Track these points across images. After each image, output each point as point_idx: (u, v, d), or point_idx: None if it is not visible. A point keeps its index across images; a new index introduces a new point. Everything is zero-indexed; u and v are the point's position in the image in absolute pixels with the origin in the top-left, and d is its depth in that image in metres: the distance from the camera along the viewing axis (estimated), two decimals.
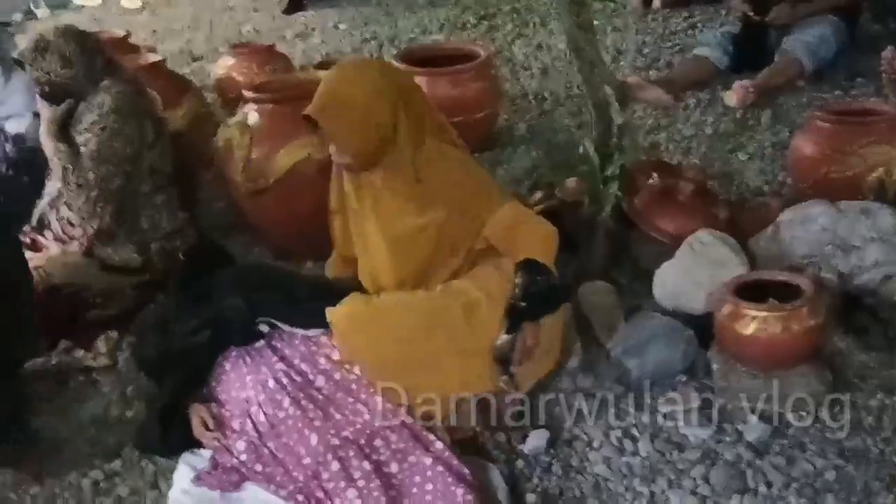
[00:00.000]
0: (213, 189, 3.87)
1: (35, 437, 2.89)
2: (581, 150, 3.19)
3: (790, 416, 2.60)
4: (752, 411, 2.61)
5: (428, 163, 2.68)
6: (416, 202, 2.71)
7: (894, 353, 2.75)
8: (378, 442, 2.57)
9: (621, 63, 5.24)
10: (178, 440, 2.77)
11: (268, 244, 3.66)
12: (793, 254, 2.91)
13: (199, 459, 2.72)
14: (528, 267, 2.63)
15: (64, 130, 3.30)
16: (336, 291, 3.03)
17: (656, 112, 4.53)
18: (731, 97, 4.46)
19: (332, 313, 2.74)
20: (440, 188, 2.70)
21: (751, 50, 4.79)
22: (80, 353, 3.22)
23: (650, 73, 5.01)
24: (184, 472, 2.68)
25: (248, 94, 3.56)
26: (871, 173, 3.20)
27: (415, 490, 2.45)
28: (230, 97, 4.48)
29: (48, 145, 3.31)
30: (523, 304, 2.61)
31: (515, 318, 2.63)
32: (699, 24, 5.66)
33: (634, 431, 2.63)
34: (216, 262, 3.28)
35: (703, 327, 2.79)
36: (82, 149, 3.28)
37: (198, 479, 2.64)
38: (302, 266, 3.50)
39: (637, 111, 4.55)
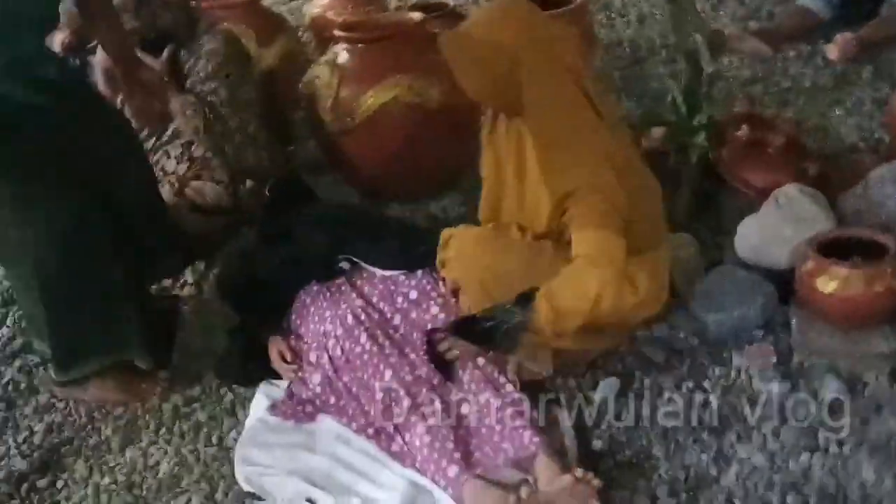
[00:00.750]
0: (303, 128, 3.91)
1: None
2: (670, 98, 3.15)
3: (867, 376, 2.57)
4: (829, 369, 2.58)
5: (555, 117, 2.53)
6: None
7: None
8: (450, 382, 2.61)
9: (720, 13, 5.15)
10: (256, 370, 2.87)
11: (354, 184, 3.70)
12: (881, 212, 2.84)
13: (275, 390, 2.82)
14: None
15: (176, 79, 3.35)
16: (418, 234, 3.09)
17: (754, 63, 4.44)
18: (833, 50, 4.34)
19: (453, 231, 2.80)
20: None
21: (856, 1, 4.66)
22: (167, 282, 3.32)
23: (750, 23, 4.90)
24: (261, 401, 2.78)
25: (338, 33, 3.58)
26: None
27: (483, 430, 2.48)
28: (324, 36, 4.49)
29: (174, 102, 3.30)
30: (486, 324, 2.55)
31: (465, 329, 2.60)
32: None
33: (706, 384, 2.62)
34: (302, 199, 3.35)
35: (784, 283, 2.75)
36: (211, 98, 3.35)
37: (273, 408, 2.73)
38: (386, 207, 3.54)
39: (734, 62, 4.48)
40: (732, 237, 2.97)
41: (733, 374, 2.65)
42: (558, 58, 2.53)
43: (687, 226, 3.04)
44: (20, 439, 2.79)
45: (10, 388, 3.00)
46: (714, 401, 2.56)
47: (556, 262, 2.55)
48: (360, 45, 3.51)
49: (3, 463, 2.72)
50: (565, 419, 2.55)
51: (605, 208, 2.45)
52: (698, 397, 2.59)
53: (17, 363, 3.08)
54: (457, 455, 2.39)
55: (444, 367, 2.63)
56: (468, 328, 2.59)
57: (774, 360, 2.64)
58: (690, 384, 2.63)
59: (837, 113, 3.94)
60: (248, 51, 3.66)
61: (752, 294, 2.76)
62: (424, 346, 2.67)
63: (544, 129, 2.52)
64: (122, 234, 2.77)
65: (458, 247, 2.75)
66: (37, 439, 2.78)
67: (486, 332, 2.53)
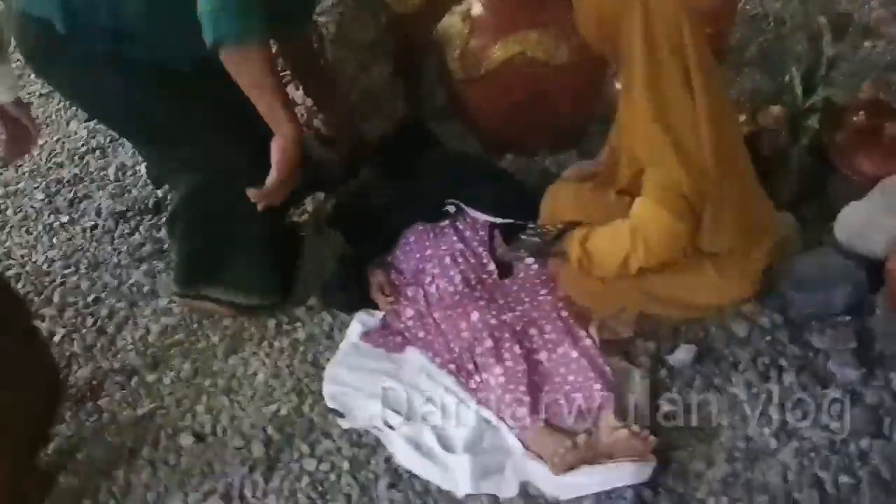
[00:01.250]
0: (433, 74, 4.02)
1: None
2: (787, 78, 3.14)
3: None
4: None
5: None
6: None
7: None
8: (533, 331, 2.70)
9: None
10: (357, 299, 3.02)
11: (476, 134, 3.74)
12: None
13: (371, 319, 2.96)
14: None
15: None
16: (527, 189, 3.19)
17: None
18: None
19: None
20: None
21: None
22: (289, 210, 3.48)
23: None
24: (356, 328, 2.92)
25: None
26: None
27: (557, 379, 2.58)
28: None
29: None
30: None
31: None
32: None
33: (782, 361, 2.64)
34: (424, 143, 3.48)
35: (877, 272, 2.74)
36: (322, 30, 3.46)
37: (366, 335, 2.88)
38: (503, 158, 3.60)
39: (878, 45, 4.39)
40: (834, 222, 2.98)
41: (811, 354, 2.67)
42: (660, 22, 2.47)
43: (791, 206, 3.04)
44: (137, 336, 3.00)
45: (134, 289, 3.21)
46: (786, 378, 2.60)
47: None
48: None
49: (119, 356, 2.93)
50: (638, 378, 2.62)
51: (670, 186, 2.50)
52: (773, 373, 2.63)
53: (144, 267, 3.29)
54: (527, 399, 2.50)
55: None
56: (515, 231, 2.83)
57: (854, 345, 2.65)
58: (766, 360, 2.65)
59: None
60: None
61: (842, 279, 2.75)
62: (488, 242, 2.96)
63: (633, 90, 2.53)
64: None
65: (552, 200, 2.86)
66: (151, 338, 2.98)
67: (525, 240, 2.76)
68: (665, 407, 2.57)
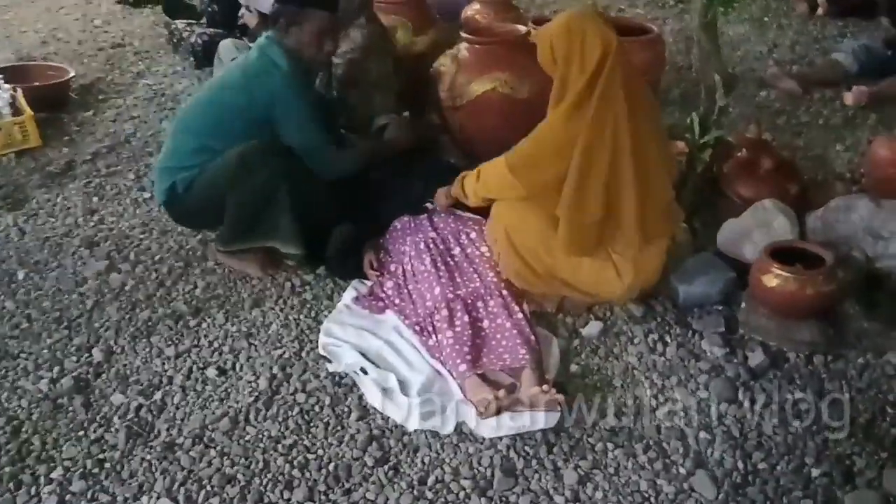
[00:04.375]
0: (429, 99, 3.87)
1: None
2: (689, 121, 3.00)
3: (790, 356, 2.44)
4: (761, 345, 2.47)
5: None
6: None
7: (893, 326, 2.50)
8: (479, 304, 2.60)
9: (774, 55, 4.84)
10: (354, 270, 2.91)
11: (460, 149, 3.60)
12: (833, 232, 2.68)
13: (362, 287, 2.85)
14: None
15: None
16: None
17: (785, 99, 4.19)
18: (849, 97, 4.06)
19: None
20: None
21: (880, 62, 4.31)
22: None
23: (793, 67, 4.60)
24: (350, 293, 2.81)
25: (463, 34, 3.52)
26: None
27: (493, 342, 2.47)
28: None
29: None
30: None
31: None
32: (848, 34, 5.13)
33: (668, 338, 2.54)
34: (427, 150, 3.37)
35: (745, 274, 2.63)
36: (335, 70, 3.35)
37: (356, 300, 2.77)
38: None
39: (770, 95, 4.23)
40: (718, 232, 2.85)
41: (689, 333, 2.56)
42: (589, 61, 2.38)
43: (686, 220, 2.90)
44: (186, 290, 2.87)
45: (189, 252, 3.09)
46: (669, 352, 2.49)
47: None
48: (476, 46, 3.44)
49: (171, 304, 2.82)
50: (555, 345, 2.52)
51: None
52: (659, 347, 2.52)
53: (199, 236, 3.16)
54: (468, 357, 2.39)
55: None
56: None
57: (722, 329, 2.54)
58: (655, 336, 2.55)
59: (837, 148, 3.69)
60: (391, 46, 3.60)
61: (718, 277, 2.65)
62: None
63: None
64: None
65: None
66: (197, 292, 2.86)
67: None
68: (574, 367, 2.47)
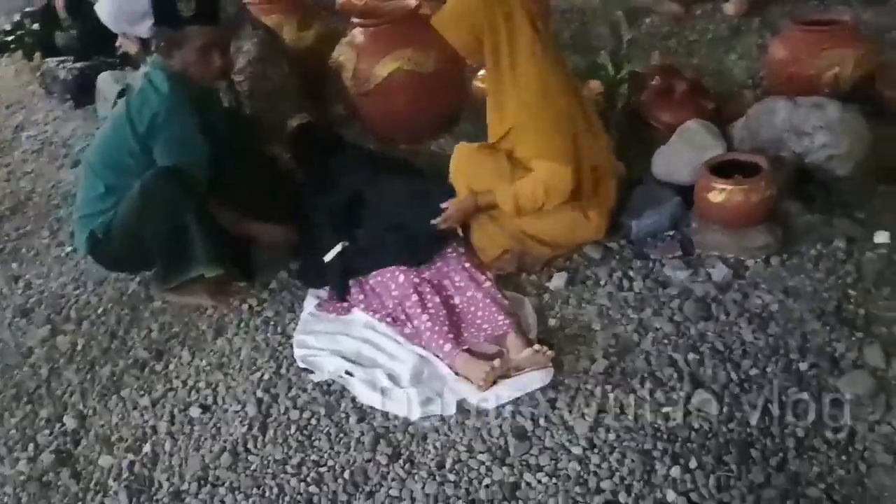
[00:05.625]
0: (333, 91, 3.82)
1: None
2: (599, 59, 3.05)
3: (749, 263, 2.54)
4: (720, 259, 2.56)
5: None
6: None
7: (833, 215, 2.62)
8: (446, 282, 2.60)
9: None
10: (313, 277, 2.85)
11: (372, 133, 3.59)
12: (759, 138, 2.77)
13: (321, 292, 2.80)
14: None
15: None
16: (416, 169, 3.06)
17: (670, 21, 4.29)
18: (730, 7, 4.19)
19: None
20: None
21: None
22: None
23: None
24: (311, 300, 2.77)
25: (354, 20, 3.48)
26: (828, 72, 3.01)
27: (469, 316, 2.49)
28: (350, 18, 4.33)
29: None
30: None
31: None
32: None
33: (631, 273, 2.60)
34: (335, 146, 3.31)
35: (688, 195, 2.71)
36: (238, 87, 3.25)
37: (319, 305, 2.73)
38: (396, 149, 3.46)
39: (655, 21, 4.33)
40: (650, 162, 2.92)
41: (651, 264, 2.63)
42: (512, 15, 2.46)
43: (617, 154, 2.96)
44: (142, 335, 2.78)
45: (132, 297, 2.97)
46: (636, 286, 2.55)
47: (507, 166, 2.62)
48: (370, 28, 3.41)
49: (130, 353, 2.72)
50: (528, 304, 2.55)
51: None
52: (625, 283, 2.57)
53: (137, 279, 3.05)
54: (450, 336, 2.40)
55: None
56: None
57: (680, 253, 2.62)
58: (619, 274, 2.61)
59: (732, 58, 3.82)
60: (283, 48, 3.52)
61: (664, 205, 2.73)
62: None
63: (500, 74, 2.53)
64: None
65: (453, 161, 2.74)
66: (154, 335, 2.76)
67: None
68: (552, 322, 2.49)
